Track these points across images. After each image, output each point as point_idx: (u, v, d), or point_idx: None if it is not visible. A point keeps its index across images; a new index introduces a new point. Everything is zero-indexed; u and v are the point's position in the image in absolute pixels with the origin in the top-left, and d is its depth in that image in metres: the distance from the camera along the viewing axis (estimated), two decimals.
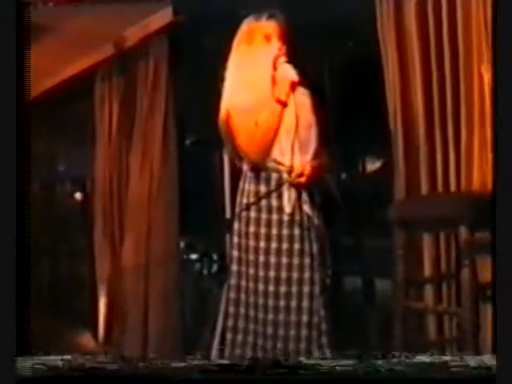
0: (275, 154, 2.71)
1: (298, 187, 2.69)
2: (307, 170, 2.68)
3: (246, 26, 2.82)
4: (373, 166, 4.11)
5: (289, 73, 2.70)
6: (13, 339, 2.14)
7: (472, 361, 2.23)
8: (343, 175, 4.03)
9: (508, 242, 2.02)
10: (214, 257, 4.91)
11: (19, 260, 2.19)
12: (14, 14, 2.26)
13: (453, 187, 3.09)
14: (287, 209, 2.67)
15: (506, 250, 2.01)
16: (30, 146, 2.30)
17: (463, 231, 2.57)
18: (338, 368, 2.28)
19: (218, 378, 2.33)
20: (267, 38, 2.79)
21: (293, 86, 2.70)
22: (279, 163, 2.71)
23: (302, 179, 2.68)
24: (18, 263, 2.18)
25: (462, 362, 2.25)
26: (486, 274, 2.83)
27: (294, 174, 2.67)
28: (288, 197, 2.68)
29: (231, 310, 2.76)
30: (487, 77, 2.96)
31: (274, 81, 2.73)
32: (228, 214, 3.74)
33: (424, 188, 3.20)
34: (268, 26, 2.80)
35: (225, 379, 2.34)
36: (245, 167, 2.79)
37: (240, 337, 2.72)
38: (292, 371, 2.32)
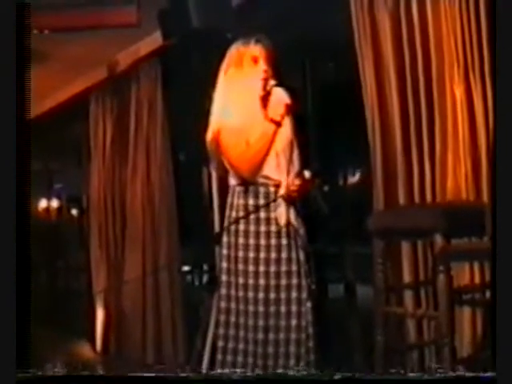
0: (266, 170, 2.82)
1: (286, 201, 2.80)
2: (296, 185, 2.81)
3: (235, 50, 2.93)
4: (353, 178, 4.20)
5: (283, 96, 2.78)
6: (13, 351, 2.16)
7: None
8: (326, 187, 4.11)
9: (508, 248, 2.01)
10: (205, 268, 4.97)
11: (19, 276, 2.21)
12: (15, 38, 2.29)
13: (428, 198, 3.21)
14: (282, 221, 2.78)
15: (506, 256, 2.01)
16: (29, 164, 2.33)
17: (438, 239, 2.65)
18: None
19: None
20: (254, 61, 2.89)
21: (288, 108, 2.79)
22: (269, 179, 2.82)
23: (292, 194, 2.80)
24: (18, 279, 2.20)
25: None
26: (461, 279, 2.99)
27: (284, 189, 2.78)
28: (281, 210, 2.79)
29: (222, 318, 2.84)
30: (459, 94, 3.10)
31: (264, 102, 2.81)
32: (216, 228, 3.81)
33: (401, 199, 3.33)
34: (255, 50, 2.89)
35: None
36: (232, 182, 2.89)
37: (231, 344, 2.80)
38: None
